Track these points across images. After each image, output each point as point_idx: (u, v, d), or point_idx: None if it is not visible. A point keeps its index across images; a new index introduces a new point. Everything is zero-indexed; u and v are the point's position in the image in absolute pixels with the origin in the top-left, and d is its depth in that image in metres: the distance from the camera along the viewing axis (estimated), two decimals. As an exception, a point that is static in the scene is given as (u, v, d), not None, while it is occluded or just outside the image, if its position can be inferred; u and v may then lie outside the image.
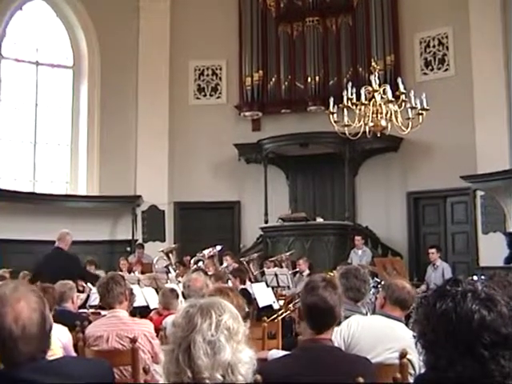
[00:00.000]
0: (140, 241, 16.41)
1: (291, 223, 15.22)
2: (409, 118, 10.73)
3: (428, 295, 1.98)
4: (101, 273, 11.17)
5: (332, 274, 6.55)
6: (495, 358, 1.80)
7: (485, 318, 1.83)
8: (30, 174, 16.99)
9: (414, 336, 1.98)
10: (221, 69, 17.77)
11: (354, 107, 10.84)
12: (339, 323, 3.56)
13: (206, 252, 12.65)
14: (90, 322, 5.64)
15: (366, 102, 10.74)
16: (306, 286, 3.59)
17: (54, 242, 9.96)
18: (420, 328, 1.96)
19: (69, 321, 5.47)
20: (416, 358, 3.71)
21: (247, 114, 17.06)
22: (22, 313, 2.30)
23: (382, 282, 7.50)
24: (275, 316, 8.15)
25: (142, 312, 7.92)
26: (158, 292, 8.50)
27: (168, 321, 5.57)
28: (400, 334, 4.09)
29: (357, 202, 16.47)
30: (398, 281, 4.60)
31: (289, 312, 8.30)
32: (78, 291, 8.03)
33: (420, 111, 10.65)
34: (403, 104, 10.78)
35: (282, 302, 9.35)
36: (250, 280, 10.48)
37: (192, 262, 12.62)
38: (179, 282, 9.66)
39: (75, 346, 5.05)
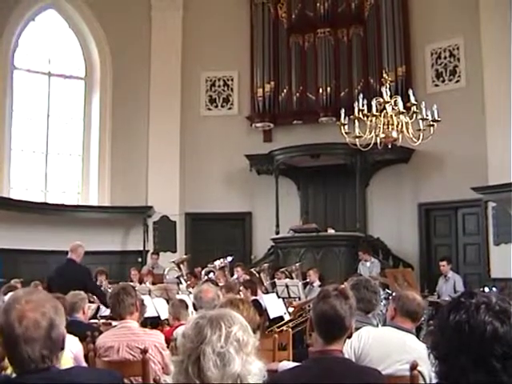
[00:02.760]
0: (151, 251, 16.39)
1: (302, 234, 15.18)
2: (420, 130, 10.70)
3: (442, 307, 1.98)
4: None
5: (343, 286, 6.55)
6: (507, 369, 1.80)
7: (497, 329, 1.82)
8: (41, 185, 17.04)
9: (428, 347, 1.98)
10: (232, 80, 17.80)
11: (365, 118, 10.84)
12: (350, 335, 3.54)
13: (217, 263, 12.66)
14: (100, 333, 5.63)
15: (377, 114, 10.72)
16: (318, 294, 3.59)
17: (65, 252, 9.92)
18: (433, 339, 1.95)
19: (79, 331, 5.46)
20: (427, 369, 3.70)
21: (258, 125, 17.08)
22: (28, 313, 2.32)
23: (393, 294, 7.49)
24: (283, 323, 8.14)
25: (153, 323, 7.93)
26: (168, 303, 8.50)
27: (179, 331, 5.55)
28: (410, 345, 4.08)
29: (368, 213, 16.45)
30: (408, 292, 4.58)
31: (298, 322, 8.29)
32: (89, 302, 8.04)
33: (431, 122, 10.63)
34: (414, 115, 10.77)
35: (291, 310, 9.35)
36: (262, 291, 10.45)
37: (203, 272, 12.62)
38: (190, 292, 9.65)
39: (86, 356, 5.05)
